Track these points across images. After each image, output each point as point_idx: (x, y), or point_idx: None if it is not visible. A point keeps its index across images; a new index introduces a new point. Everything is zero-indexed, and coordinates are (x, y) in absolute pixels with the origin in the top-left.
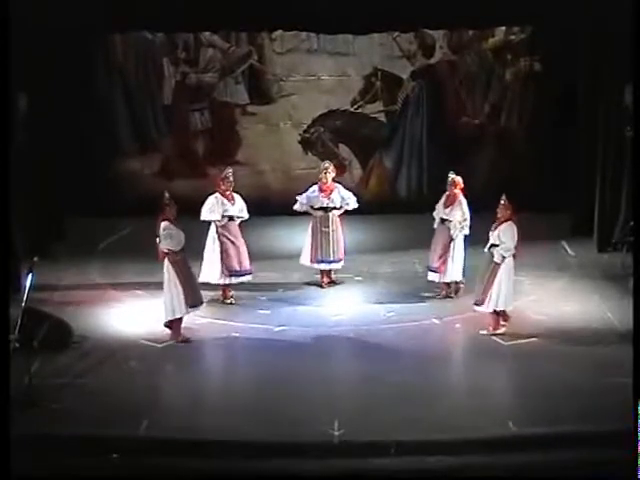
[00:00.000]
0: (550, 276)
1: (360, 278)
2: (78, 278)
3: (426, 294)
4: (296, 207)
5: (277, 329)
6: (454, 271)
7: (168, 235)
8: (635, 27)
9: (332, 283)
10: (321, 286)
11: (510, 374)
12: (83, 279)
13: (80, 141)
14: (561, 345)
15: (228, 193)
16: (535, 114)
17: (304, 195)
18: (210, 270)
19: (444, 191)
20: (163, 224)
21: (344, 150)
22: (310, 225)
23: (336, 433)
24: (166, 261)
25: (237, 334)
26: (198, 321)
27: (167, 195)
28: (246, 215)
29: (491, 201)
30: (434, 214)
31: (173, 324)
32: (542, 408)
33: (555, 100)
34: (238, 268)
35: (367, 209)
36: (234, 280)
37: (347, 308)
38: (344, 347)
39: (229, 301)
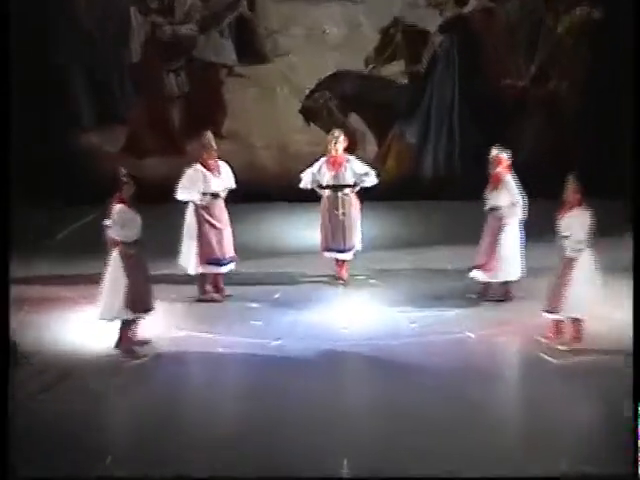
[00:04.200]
0: (616, 276)
1: (375, 280)
2: (27, 278)
3: (458, 300)
4: (302, 185)
5: (273, 344)
6: (503, 268)
7: (122, 221)
8: None
9: (341, 280)
10: (337, 279)
11: (566, 401)
12: (32, 279)
13: (30, 114)
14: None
15: (211, 163)
16: (592, 76)
17: (309, 171)
18: (187, 257)
19: (482, 171)
20: (117, 207)
21: (356, 121)
22: (321, 209)
23: (345, 474)
24: (115, 251)
25: (223, 350)
26: (174, 334)
27: (123, 171)
28: (232, 185)
29: (537, 182)
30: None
31: (123, 331)
32: (603, 444)
33: (617, 59)
34: (219, 256)
35: (384, 194)
36: (214, 270)
37: (359, 317)
38: (356, 367)
39: (210, 297)
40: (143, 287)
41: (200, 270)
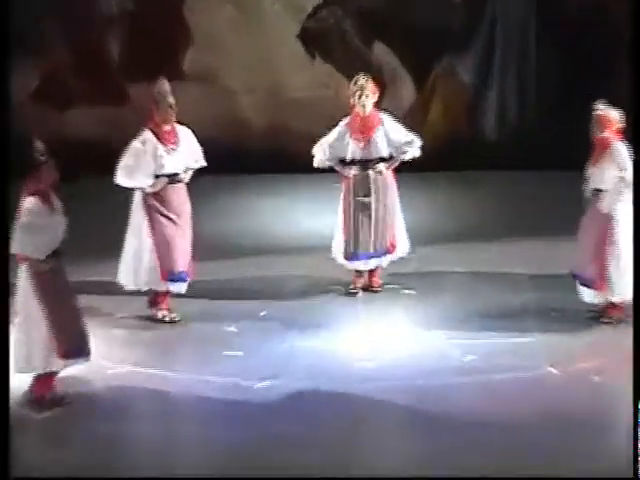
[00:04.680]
0: None
1: (411, 291)
2: None
3: (535, 319)
4: (316, 163)
5: (259, 386)
6: (618, 280)
7: (31, 226)
8: None
9: (371, 288)
10: (350, 292)
11: None
12: None
13: None
14: None
15: (167, 130)
16: None
17: (325, 142)
18: (130, 269)
19: (573, 132)
20: (28, 202)
21: (383, 52)
22: (342, 193)
23: None
24: (23, 271)
25: (181, 395)
26: (110, 370)
27: (39, 146)
28: (199, 161)
29: None
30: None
31: (39, 379)
32: None
33: None
34: (180, 268)
35: (424, 162)
36: (174, 288)
37: (389, 346)
38: (384, 422)
39: (168, 318)
40: (71, 321)
41: (154, 287)
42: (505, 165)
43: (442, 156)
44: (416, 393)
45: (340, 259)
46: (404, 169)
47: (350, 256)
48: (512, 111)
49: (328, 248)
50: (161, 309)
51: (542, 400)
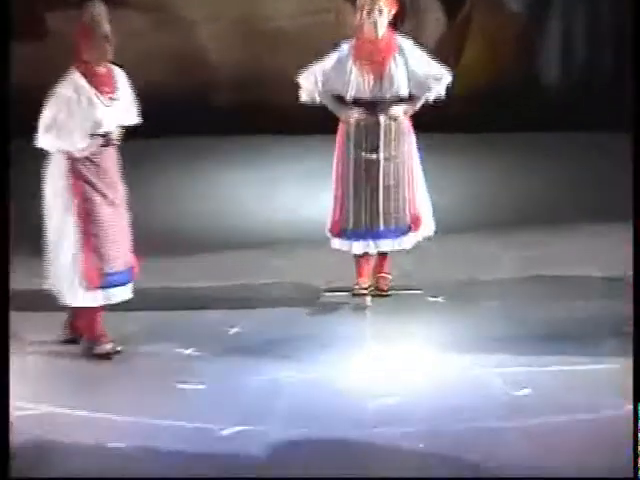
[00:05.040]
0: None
1: (439, 298)
2: None
3: (610, 341)
4: (304, 97)
5: (228, 433)
6: None
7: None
8: None
9: (380, 292)
10: (356, 292)
11: None
12: None
13: None
14: None
15: (102, 73)
16: None
17: (319, 69)
18: (60, 269)
19: None
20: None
21: None
22: (337, 146)
23: None
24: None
25: (122, 446)
26: (23, 411)
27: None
28: (133, 116)
29: None
30: None
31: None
32: None
33: None
34: (120, 266)
35: (457, 118)
36: (115, 297)
37: (411, 376)
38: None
39: (104, 350)
40: None
41: (77, 299)
42: (566, 125)
43: (478, 111)
44: (452, 442)
45: (334, 240)
46: (422, 126)
47: (348, 233)
48: (580, 54)
49: (324, 240)
50: (93, 337)
51: (622, 450)
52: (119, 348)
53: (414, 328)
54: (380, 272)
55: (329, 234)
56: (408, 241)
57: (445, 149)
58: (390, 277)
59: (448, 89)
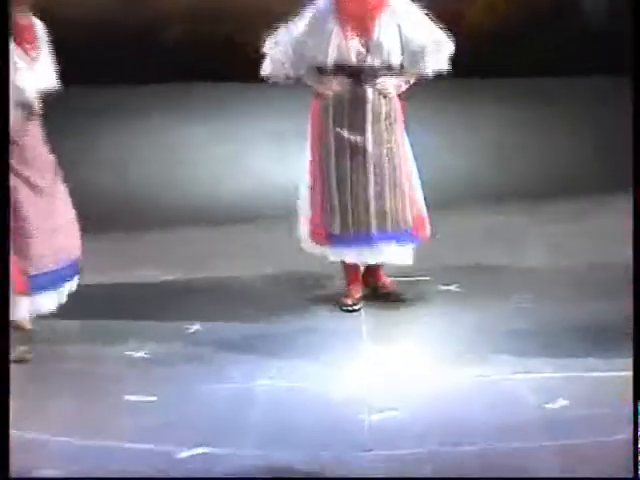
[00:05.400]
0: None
1: (452, 287)
2: None
3: None
4: (266, 71)
5: (186, 455)
6: None
7: None
8: None
9: (384, 293)
10: (346, 310)
11: None
12: None
13: None
14: None
15: (25, 25)
16: None
17: (287, 34)
18: None
19: None
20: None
21: None
22: (311, 128)
23: None
24: None
25: (59, 473)
26: None
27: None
28: (51, 80)
29: None
30: None
31: None
32: None
33: None
34: (51, 264)
35: (463, 61)
36: (43, 305)
37: (422, 384)
38: None
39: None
40: None
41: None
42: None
43: (490, 50)
44: (469, 468)
45: (309, 243)
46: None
47: (337, 239)
48: None
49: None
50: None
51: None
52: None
53: (420, 324)
54: (377, 274)
55: (308, 242)
56: (406, 253)
57: (442, 96)
58: (391, 280)
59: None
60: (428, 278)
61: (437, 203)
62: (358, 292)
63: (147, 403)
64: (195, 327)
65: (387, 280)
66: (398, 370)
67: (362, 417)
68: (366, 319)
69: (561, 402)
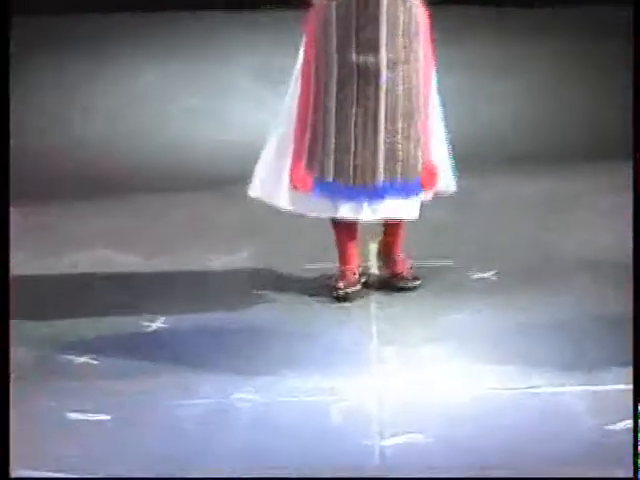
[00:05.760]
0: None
1: (487, 274)
2: None
3: None
4: None
5: None
6: None
7: None
8: None
9: (397, 279)
10: (338, 297)
11: None
12: None
13: None
14: None
15: None
16: None
17: None
18: None
19: None
20: None
21: None
22: (306, 46)
23: None
24: None
25: None
26: None
27: None
28: None
29: None
30: None
31: None
32: None
33: None
34: None
35: None
36: None
37: (437, 399)
38: None
39: None
40: None
41: None
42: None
43: None
44: None
45: (298, 200)
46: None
47: (327, 188)
48: None
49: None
50: None
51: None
52: None
53: (448, 323)
54: (393, 251)
55: (290, 191)
56: (417, 205)
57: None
58: (411, 263)
59: None
60: (452, 263)
61: (466, 159)
62: (354, 272)
63: (97, 422)
64: (156, 324)
65: (404, 261)
66: (417, 381)
67: (370, 442)
68: (377, 314)
69: (623, 423)
